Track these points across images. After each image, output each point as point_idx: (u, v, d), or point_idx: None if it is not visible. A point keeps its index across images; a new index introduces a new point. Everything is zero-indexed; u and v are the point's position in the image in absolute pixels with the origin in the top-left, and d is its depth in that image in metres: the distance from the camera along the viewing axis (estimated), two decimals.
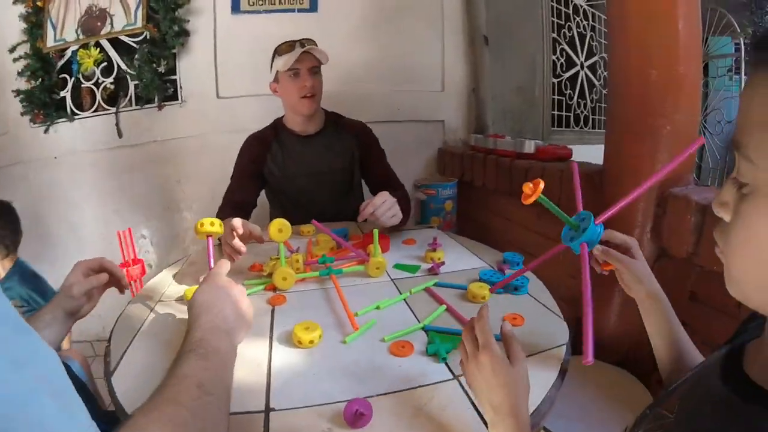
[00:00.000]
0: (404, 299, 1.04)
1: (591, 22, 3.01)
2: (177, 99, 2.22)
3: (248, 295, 1.00)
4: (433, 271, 1.20)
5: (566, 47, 2.80)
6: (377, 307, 0.99)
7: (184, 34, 2.14)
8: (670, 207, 1.23)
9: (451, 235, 1.53)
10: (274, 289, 1.09)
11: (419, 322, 0.94)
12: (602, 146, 1.47)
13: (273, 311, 1.00)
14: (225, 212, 1.50)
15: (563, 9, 2.75)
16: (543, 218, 1.76)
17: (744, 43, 3.37)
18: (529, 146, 1.79)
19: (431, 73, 2.39)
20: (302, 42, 1.54)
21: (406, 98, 2.34)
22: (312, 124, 1.66)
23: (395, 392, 0.74)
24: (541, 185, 0.74)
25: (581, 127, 3.06)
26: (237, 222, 1.14)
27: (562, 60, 2.80)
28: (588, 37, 2.99)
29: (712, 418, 0.44)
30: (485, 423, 0.63)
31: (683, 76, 1.24)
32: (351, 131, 1.71)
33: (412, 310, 1.00)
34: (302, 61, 1.52)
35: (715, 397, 0.45)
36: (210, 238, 0.99)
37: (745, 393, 0.41)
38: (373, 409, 0.67)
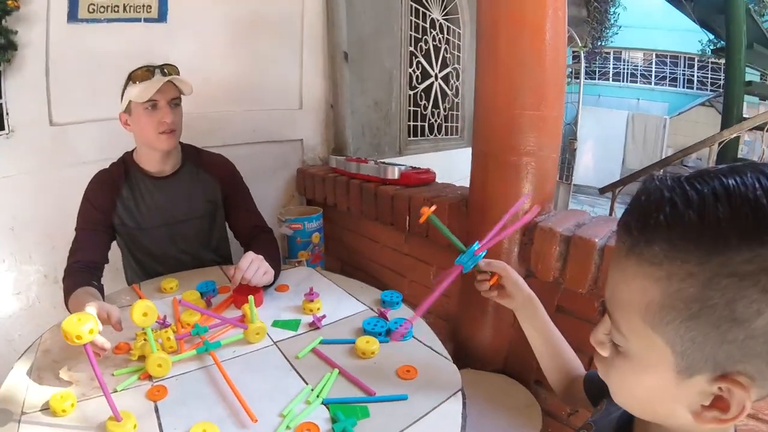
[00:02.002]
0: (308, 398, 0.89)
1: (446, 35, 3.17)
2: (3, 128, 1.76)
3: (121, 390, 0.88)
4: (314, 326, 1.14)
5: (422, 60, 2.90)
6: (287, 426, 0.82)
7: (12, 47, 1.61)
8: (537, 237, 1.33)
9: (324, 273, 1.48)
10: (150, 377, 0.94)
11: (312, 391, 0.90)
12: (456, 151, 1.52)
13: (157, 409, 0.85)
14: (74, 278, 1.23)
15: (420, 23, 2.85)
16: (410, 241, 1.80)
17: (582, 54, 3.92)
18: (393, 172, 1.81)
19: (289, 90, 2.28)
20: (163, 69, 1.32)
21: (263, 117, 2.20)
22: (169, 163, 1.44)
23: None
24: (433, 208, 0.90)
25: (435, 135, 3.21)
26: (93, 312, 0.93)
27: (418, 72, 2.90)
28: (443, 49, 3.14)
29: None
30: None
31: (548, 117, 1.33)
32: (213, 172, 1.52)
33: (303, 378, 0.94)
34: (162, 91, 1.31)
35: None
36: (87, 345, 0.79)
37: None
38: None
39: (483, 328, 1.53)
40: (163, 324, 1.09)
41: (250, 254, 1.21)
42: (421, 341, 1.08)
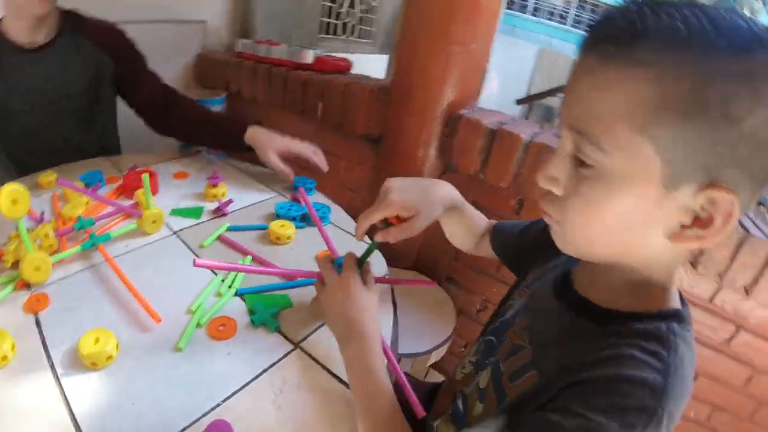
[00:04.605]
0: (219, 290, 0.78)
1: None
2: None
3: None
4: (220, 212, 1.01)
5: None
6: (198, 324, 0.70)
7: None
8: (461, 128, 1.28)
9: (228, 162, 1.30)
10: (28, 285, 0.74)
11: (223, 282, 0.78)
12: (367, 56, 1.42)
13: (38, 322, 0.67)
14: None
15: None
16: (321, 134, 1.67)
17: None
18: (308, 56, 1.64)
19: None
20: None
21: None
22: (42, 31, 1.15)
23: (243, 388, 0.60)
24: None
25: (347, 37, 3.01)
26: None
27: None
28: None
29: (560, 334, 0.52)
30: (340, 381, 0.63)
31: (487, 9, 1.26)
32: (100, 42, 1.24)
33: (212, 271, 0.81)
34: None
35: (554, 315, 0.54)
36: None
37: (578, 308, 0.51)
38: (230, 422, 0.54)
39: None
40: (40, 221, 0.88)
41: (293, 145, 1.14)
42: (338, 226, 1.00)
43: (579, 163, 0.44)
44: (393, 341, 0.71)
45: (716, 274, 1.10)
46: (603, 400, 0.40)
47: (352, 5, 2.96)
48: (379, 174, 1.51)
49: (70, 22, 1.22)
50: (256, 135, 1.15)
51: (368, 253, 0.71)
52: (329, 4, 2.68)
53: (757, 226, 1.18)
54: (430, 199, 0.71)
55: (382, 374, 0.58)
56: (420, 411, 0.60)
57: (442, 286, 1.49)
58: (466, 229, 0.83)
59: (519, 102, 4.37)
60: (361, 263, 0.71)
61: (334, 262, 0.71)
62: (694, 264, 1.12)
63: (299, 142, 1.15)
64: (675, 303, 0.48)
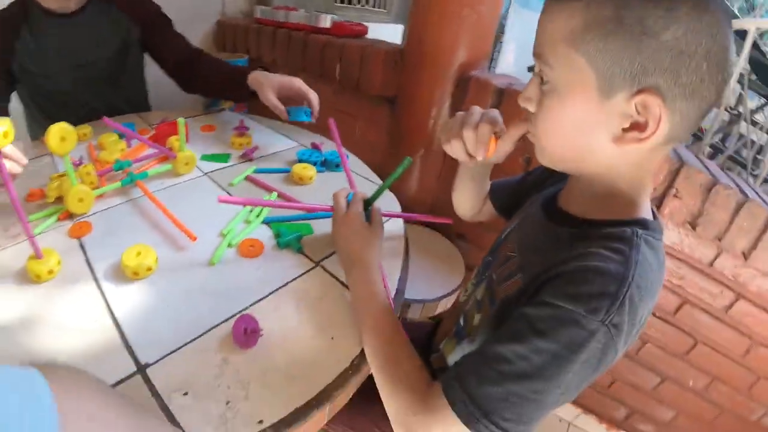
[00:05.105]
0: (248, 218, 0.85)
1: None
2: None
3: (38, 234, 0.75)
4: (246, 157, 1.08)
5: None
6: (229, 244, 0.77)
7: None
8: (471, 88, 1.32)
9: (253, 117, 1.37)
10: (70, 216, 0.82)
11: (251, 212, 0.85)
12: (381, 25, 1.45)
13: (82, 245, 0.75)
14: None
15: None
16: (338, 96, 1.72)
17: None
18: (325, 20, 1.68)
19: None
20: None
21: None
22: None
23: (268, 296, 0.67)
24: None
25: (362, 5, 3.02)
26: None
27: None
28: None
29: (543, 242, 0.58)
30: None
31: None
32: (125, 7, 1.31)
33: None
34: None
35: (540, 227, 0.61)
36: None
37: (559, 219, 0.58)
38: (260, 327, 0.60)
39: (409, 180, 1.55)
40: (79, 164, 0.94)
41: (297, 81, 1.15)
42: (356, 173, 1.06)
43: (542, 81, 0.52)
44: (401, 282, 0.76)
45: (715, 237, 1.13)
46: (570, 288, 0.46)
47: None
48: (394, 134, 1.56)
49: None
50: (256, 77, 1.16)
51: (387, 184, 0.77)
52: None
53: (758, 195, 1.18)
54: None
55: (382, 297, 0.64)
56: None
57: (453, 242, 1.54)
58: (482, 186, 0.86)
59: (529, 69, 4.36)
60: (370, 201, 0.78)
61: (348, 198, 0.78)
62: (693, 224, 1.15)
63: (295, 79, 1.15)
64: (643, 214, 0.53)
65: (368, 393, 0.61)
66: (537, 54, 0.52)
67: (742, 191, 1.10)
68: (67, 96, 1.30)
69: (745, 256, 1.13)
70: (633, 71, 0.45)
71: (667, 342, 1.34)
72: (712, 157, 2.50)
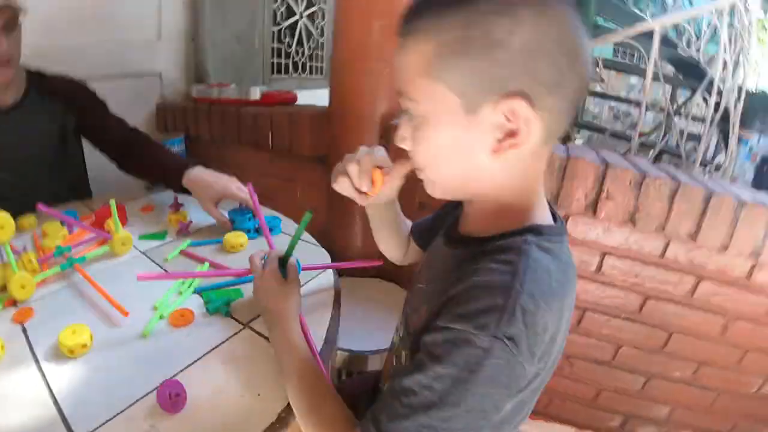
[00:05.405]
0: (180, 290, 0.91)
1: None
2: None
3: None
4: (182, 232, 1.14)
5: None
6: (160, 316, 0.83)
7: None
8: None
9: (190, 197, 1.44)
10: (14, 303, 0.86)
11: (183, 284, 0.91)
12: (320, 90, 1.59)
13: (24, 329, 0.79)
14: None
15: None
16: (275, 163, 1.82)
17: None
18: (255, 93, 1.81)
19: (146, 20, 2.09)
20: None
21: (116, 48, 1.99)
22: (9, 94, 1.26)
23: (197, 361, 0.72)
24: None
25: (299, 74, 3.19)
26: None
27: (283, 9, 2.83)
28: None
29: (443, 269, 0.60)
30: None
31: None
32: (60, 96, 1.36)
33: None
34: None
35: (441, 255, 0.64)
36: None
37: (455, 243, 0.61)
38: (185, 386, 0.64)
39: (354, 236, 1.63)
40: (20, 252, 0.98)
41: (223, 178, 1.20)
42: (289, 235, 1.12)
43: (410, 117, 0.54)
44: (329, 332, 0.81)
45: (658, 228, 1.17)
46: (459, 309, 0.46)
47: (300, 44, 3.15)
48: (332, 193, 1.65)
49: (35, 82, 1.33)
50: (193, 181, 1.21)
51: (296, 238, 0.82)
52: (277, 45, 2.86)
53: (692, 178, 1.22)
54: None
55: (301, 346, 0.68)
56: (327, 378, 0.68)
57: (404, 287, 1.60)
58: (397, 228, 0.89)
59: None
60: (285, 258, 0.82)
61: (264, 258, 0.82)
62: (633, 222, 1.18)
63: (232, 185, 1.19)
64: (536, 220, 0.54)
65: None
66: (400, 92, 0.53)
67: (674, 178, 1.14)
68: (8, 187, 1.31)
69: (693, 237, 1.16)
70: (492, 83, 0.47)
71: (641, 340, 1.36)
72: (658, 156, 2.60)
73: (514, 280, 0.46)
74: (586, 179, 1.19)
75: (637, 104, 2.55)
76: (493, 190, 0.54)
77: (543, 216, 0.56)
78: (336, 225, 1.65)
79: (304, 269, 0.91)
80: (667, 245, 1.22)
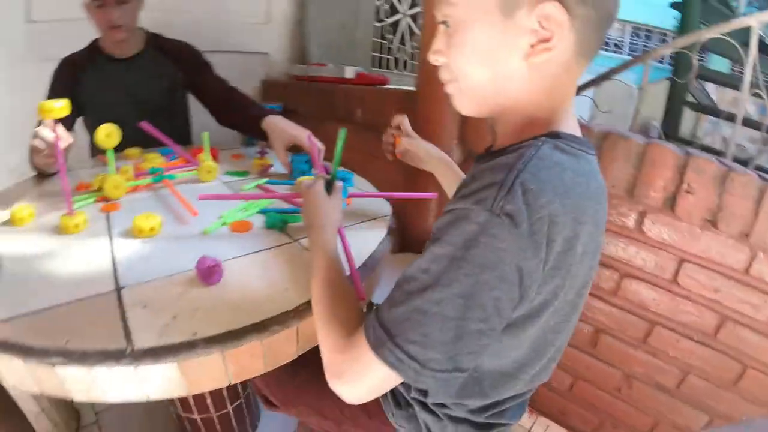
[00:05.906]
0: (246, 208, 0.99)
1: None
2: None
3: (77, 208, 0.93)
4: (262, 174, 1.24)
5: None
6: (223, 223, 0.91)
7: None
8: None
9: None
10: (106, 200, 1.01)
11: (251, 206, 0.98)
12: None
13: (108, 217, 0.93)
14: None
15: None
16: (362, 137, 1.85)
17: None
18: (350, 72, 1.88)
19: (256, 3, 2.30)
20: None
21: (229, 28, 2.22)
22: (129, 47, 1.51)
23: (243, 255, 0.79)
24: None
25: (400, 71, 3.25)
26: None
27: (386, 6, 2.92)
28: None
29: (466, 180, 0.55)
30: None
31: None
32: (172, 53, 1.58)
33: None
34: None
35: (472, 172, 0.60)
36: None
37: (481, 158, 0.61)
38: (224, 268, 0.71)
39: (425, 214, 1.62)
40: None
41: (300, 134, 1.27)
42: (360, 188, 1.19)
43: (446, 27, 0.55)
44: (376, 252, 0.85)
45: (742, 232, 1.03)
46: (464, 190, 0.48)
47: (402, 42, 3.21)
48: (409, 170, 1.66)
49: (152, 41, 1.57)
50: (269, 125, 1.30)
51: (337, 156, 0.87)
52: (380, 40, 2.94)
53: None
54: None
55: (332, 253, 0.70)
56: (361, 294, 0.72)
57: None
58: (443, 175, 0.99)
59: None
60: (331, 180, 0.86)
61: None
62: (714, 222, 1.05)
63: (303, 134, 1.26)
64: (558, 128, 0.53)
65: None
66: (437, 1, 0.54)
67: (763, 179, 1.01)
68: (122, 125, 1.50)
69: None
70: None
71: (711, 371, 1.17)
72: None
73: (518, 162, 0.46)
74: (665, 168, 1.07)
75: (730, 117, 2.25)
76: (520, 102, 0.54)
77: (568, 127, 0.55)
78: (410, 202, 1.65)
79: (351, 196, 1.00)
80: (752, 258, 1.04)
